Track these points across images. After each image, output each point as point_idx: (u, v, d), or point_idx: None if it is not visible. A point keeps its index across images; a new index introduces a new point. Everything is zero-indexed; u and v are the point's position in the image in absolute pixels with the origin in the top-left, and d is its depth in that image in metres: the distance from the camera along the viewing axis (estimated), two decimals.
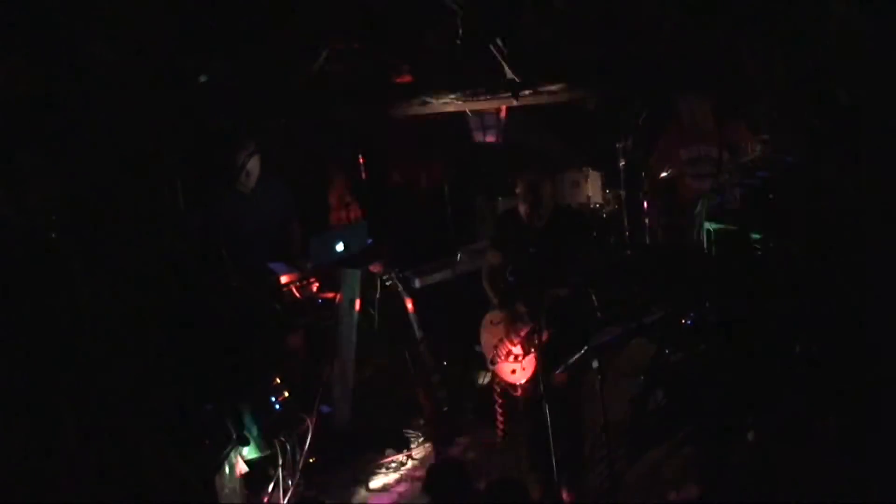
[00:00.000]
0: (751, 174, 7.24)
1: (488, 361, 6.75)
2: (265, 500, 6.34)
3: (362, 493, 7.08)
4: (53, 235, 5.81)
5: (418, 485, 7.10)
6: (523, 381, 6.62)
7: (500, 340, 6.67)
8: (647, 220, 8.87)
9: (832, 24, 6.89)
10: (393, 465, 7.44)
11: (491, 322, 6.78)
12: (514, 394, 6.84)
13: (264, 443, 6.33)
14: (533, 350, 6.48)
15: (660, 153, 8.02)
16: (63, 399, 5.63)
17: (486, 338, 6.81)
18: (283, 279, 7.30)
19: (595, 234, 7.09)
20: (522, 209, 6.72)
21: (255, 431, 6.28)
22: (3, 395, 5.38)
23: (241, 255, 7.15)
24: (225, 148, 7.46)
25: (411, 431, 7.83)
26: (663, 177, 8.07)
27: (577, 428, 6.57)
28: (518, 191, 6.70)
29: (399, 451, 7.57)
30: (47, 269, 5.79)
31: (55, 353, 5.70)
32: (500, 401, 7.09)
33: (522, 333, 6.59)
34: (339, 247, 7.48)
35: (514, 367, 6.61)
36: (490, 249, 7.05)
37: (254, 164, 7.47)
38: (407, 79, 9.57)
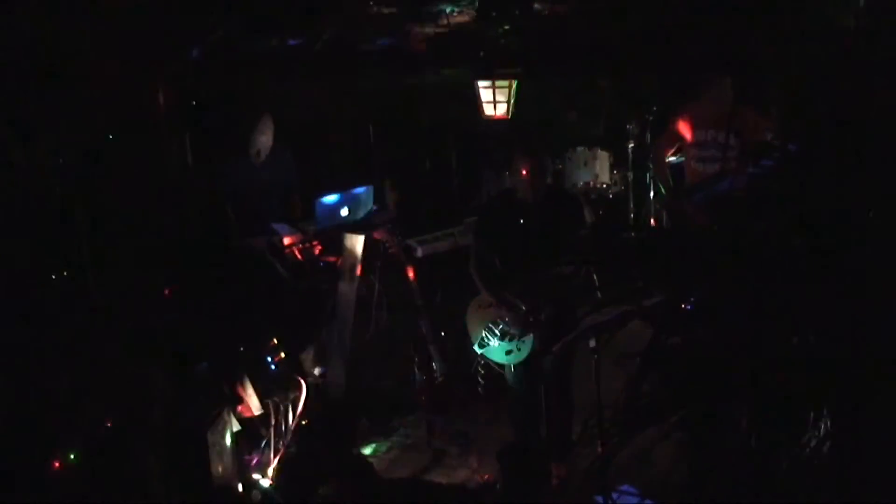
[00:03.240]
0: (756, 162, 7.22)
1: (476, 343, 6.67)
2: (255, 459, 6.37)
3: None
4: (60, 180, 5.82)
5: (408, 452, 7.13)
6: (517, 361, 6.57)
7: (494, 323, 6.58)
8: (653, 202, 8.88)
9: (847, 17, 6.87)
10: (384, 431, 7.46)
11: (479, 306, 6.71)
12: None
13: (258, 402, 6.35)
14: (530, 331, 6.44)
15: (667, 135, 7.98)
16: (60, 344, 5.65)
17: (474, 321, 6.73)
18: (286, 240, 7.31)
19: (590, 214, 7.00)
20: (521, 186, 6.62)
21: (250, 390, 6.30)
22: (4, 340, 5.40)
23: (245, 218, 7.18)
24: (239, 117, 7.50)
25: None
26: (670, 160, 8.04)
27: (567, 404, 6.57)
28: (515, 166, 6.58)
29: (390, 419, 7.59)
30: (52, 217, 5.80)
31: (56, 300, 5.72)
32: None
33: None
34: (344, 211, 7.48)
35: (510, 349, 6.54)
36: (476, 237, 6.91)
37: (266, 139, 7.52)
38: (422, 48, 9.55)
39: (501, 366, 6.68)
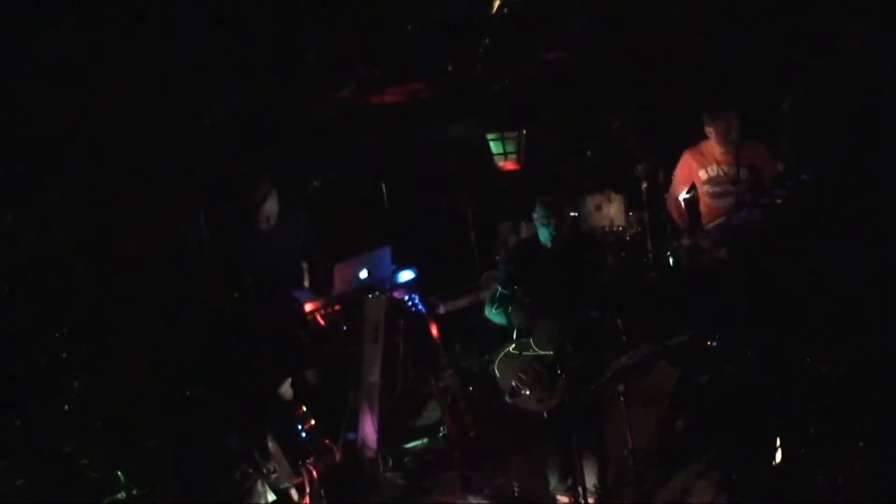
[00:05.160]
0: (769, 194, 7.24)
1: (507, 394, 6.62)
2: None
3: None
4: (77, 265, 5.86)
5: None
6: (550, 408, 6.53)
7: (524, 372, 6.54)
8: (671, 241, 8.85)
9: (854, 43, 6.89)
10: (420, 490, 7.41)
11: (508, 356, 6.68)
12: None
13: (291, 471, 6.33)
14: (561, 375, 6.41)
15: (679, 173, 8.00)
16: (88, 427, 5.67)
17: (503, 371, 6.69)
18: (308, 307, 7.32)
19: (609, 257, 6.98)
20: (544, 233, 6.62)
21: (282, 460, 6.29)
22: (27, 422, 5.43)
23: (264, 287, 7.17)
24: (243, 186, 7.47)
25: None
26: (685, 198, 8.04)
27: (601, 450, 6.52)
28: (536, 214, 6.59)
29: (425, 478, 7.54)
30: (70, 297, 5.83)
31: (79, 381, 5.74)
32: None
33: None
34: (363, 273, 7.50)
35: (542, 396, 6.49)
36: (498, 285, 6.88)
37: (272, 205, 7.46)
38: (429, 105, 9.61)
39: (535, 415, 6.65)
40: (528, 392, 6.44)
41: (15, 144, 5.75)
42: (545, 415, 6.53)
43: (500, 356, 6.70)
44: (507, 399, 6.59)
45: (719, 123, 7.58)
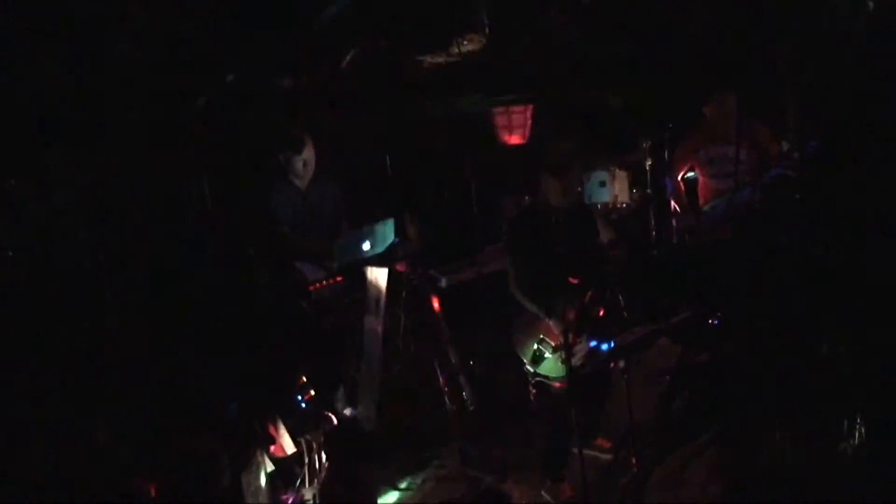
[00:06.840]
0: (770, 173, 7.25)
1: (529, 359, 6.57)
2: (290, 498, 6.36)
3: (389, 492, 7.07)
4: (80, 232, 5.86)
5: (444, 483, 7.10)
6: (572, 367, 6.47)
7: (546, 332, 6.48)
8: (673, 220, 8.84)
9: (861, 23, 6.87)
10: (418, 463, 7.43)
11: (527, 322, 6.64)
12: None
13: (290, 441, 6.36)
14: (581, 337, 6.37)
15: (681, 153, 7.99)
16: (93, 396, 5.69)
17: (524, 338, 6.64)
18: (310, 278, 7.33)
19: (612, 233, 6.97)
20: (554, 198, 6.59)
21: (281, 430, 6.31)
22: (34, 392, 5.44)
23: (270, 258, 7.18)
24: (275, 142, 7.50)
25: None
26: (687, 177, 8.04)
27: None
28: (545, 182, 6.56)
29: (424, 451, 7.55)
30: (73, 265, 5.84)
31: (83, 349, 5.75)
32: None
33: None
34: (366, 246, 7.49)
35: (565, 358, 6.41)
36: (510, 254, 6.86)
37: (310, 157, 7.51)
38: (435, 77, 9.58)
39: (551, 382, 6.60)
40: (551, 355, 6.40)
41: (18, 109, 5.74)
42: (555, 385, 6.51)
43: (518, 323, 6.68)
44: (529, 368, 6.54)
45: (722, 102, 7.58)
